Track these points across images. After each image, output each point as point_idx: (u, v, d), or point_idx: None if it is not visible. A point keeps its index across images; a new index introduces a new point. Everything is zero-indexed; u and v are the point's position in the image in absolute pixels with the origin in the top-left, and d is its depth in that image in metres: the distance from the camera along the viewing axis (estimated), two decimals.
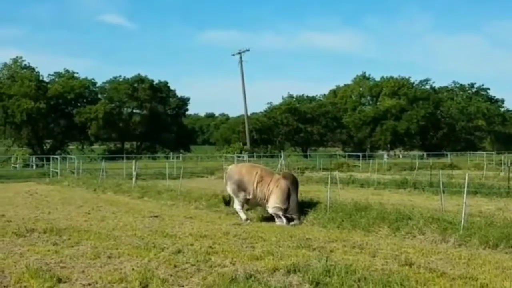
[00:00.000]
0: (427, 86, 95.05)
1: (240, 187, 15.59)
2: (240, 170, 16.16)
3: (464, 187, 12.53)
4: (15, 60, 77.65)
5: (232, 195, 16.04)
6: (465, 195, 12.09)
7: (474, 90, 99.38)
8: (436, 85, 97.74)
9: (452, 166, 43.88)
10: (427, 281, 7.23)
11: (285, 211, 14.73)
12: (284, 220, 14.66)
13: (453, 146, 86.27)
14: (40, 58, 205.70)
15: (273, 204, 14.92)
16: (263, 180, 15.21)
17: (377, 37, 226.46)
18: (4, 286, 6.98)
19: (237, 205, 15.73)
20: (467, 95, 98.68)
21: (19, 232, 11.53)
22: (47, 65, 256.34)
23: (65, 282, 7.18)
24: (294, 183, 15.12)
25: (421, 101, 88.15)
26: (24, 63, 78.20)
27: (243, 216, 15.41)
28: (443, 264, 8.57)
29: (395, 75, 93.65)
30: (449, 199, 16.90)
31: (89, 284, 7.05)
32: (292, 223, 14.37)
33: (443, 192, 16.23)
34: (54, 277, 7.24)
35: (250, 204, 15.83)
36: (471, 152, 67.78)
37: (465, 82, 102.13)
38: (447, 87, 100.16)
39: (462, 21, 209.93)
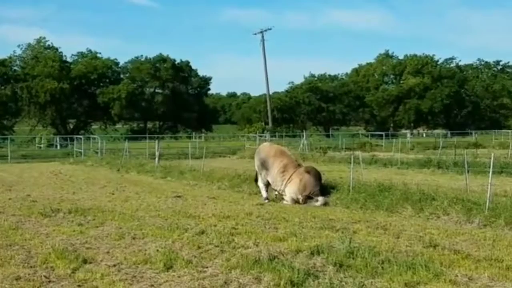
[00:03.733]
0: (453, 65, 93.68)
1: (264, 165, 15.68)
2: (269, 151, 16.13)
3: (489, 167, 12.35)
4: (38, 41, 78.18)
5: (257, 170, 16.20)
6: (490, 175, 11.89)
7: (499, 67, 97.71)
8: (461, 62, 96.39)
9: (476, 145, 43.33)
10: (452, 263, 7.16)
11: (302, 200, 14.60)
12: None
13: (478, 125, 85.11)
14: (63, 38, 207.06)
15: (290, 192, 14.86)
16: (286, 171, 15.10)
17: (400, 14, 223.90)
18: (31, 267, 7.08)
19: (260, 182, 15.87)
20: (492, 73, 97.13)
21: (45, 212, 11.70)
22: (70, 45, 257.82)
23: (90, 263, 7.25)
24: (316, 176, 14.95)
25: (446, 80, 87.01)
26: (47, 43, 78.80)
27: (264, 194, 15.50)
28: (468, 245, 8.48)
29: (419, 53, 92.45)
30: (473, 179, 16.70)
31: (114, 265, 7.10)
32: (318, 203, 14.18)
33: (468, 171, 16.03)
34: (79, 258, 7.32)
35: (271, 187, 15.80)
36: (496, 130, 66.86)
37: (491, 59, 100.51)
38: (472, 64, 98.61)
39: None
